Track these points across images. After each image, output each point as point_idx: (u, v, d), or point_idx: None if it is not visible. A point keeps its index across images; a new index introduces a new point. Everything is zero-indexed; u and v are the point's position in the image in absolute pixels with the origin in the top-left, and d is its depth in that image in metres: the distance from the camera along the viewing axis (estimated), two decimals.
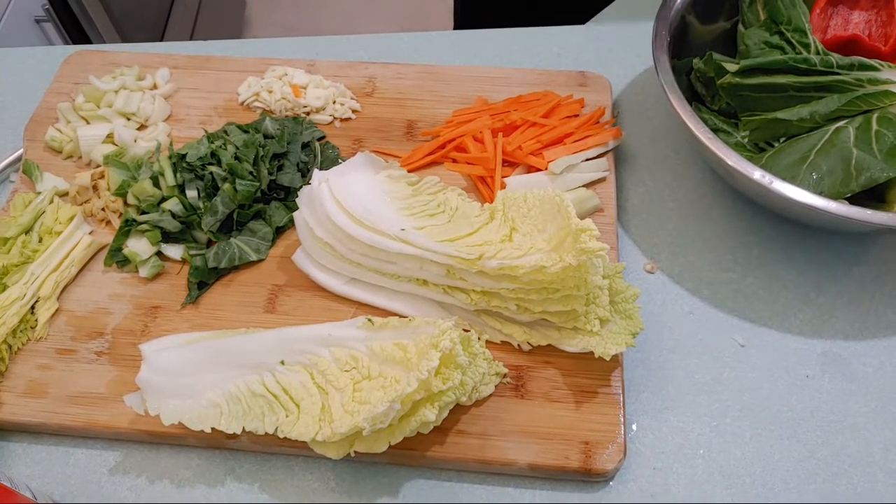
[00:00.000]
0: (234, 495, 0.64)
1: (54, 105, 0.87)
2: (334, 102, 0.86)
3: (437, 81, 0.89)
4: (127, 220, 0.76)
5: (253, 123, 0.83)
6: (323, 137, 0.85)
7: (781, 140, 0.75)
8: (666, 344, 0.71)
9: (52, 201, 0.78)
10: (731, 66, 0.75)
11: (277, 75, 0.88)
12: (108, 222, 0.78)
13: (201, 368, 0.63)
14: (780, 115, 0.73)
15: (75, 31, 1.72)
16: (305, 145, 0.82)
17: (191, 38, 2.13)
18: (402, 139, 0.85)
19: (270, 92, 0.86)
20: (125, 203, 0.78)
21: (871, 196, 0.71)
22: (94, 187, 0.79)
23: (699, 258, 0.77)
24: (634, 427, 0.67)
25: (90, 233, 0.77)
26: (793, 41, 0.77)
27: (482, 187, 0.79)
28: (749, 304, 0.74)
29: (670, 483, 0.64)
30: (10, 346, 0.69)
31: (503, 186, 0.77)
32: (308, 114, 0.86)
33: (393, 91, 0.88)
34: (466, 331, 0.67)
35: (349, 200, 0.70)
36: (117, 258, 0.75)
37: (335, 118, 0.86)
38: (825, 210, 0.64)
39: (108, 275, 0.75)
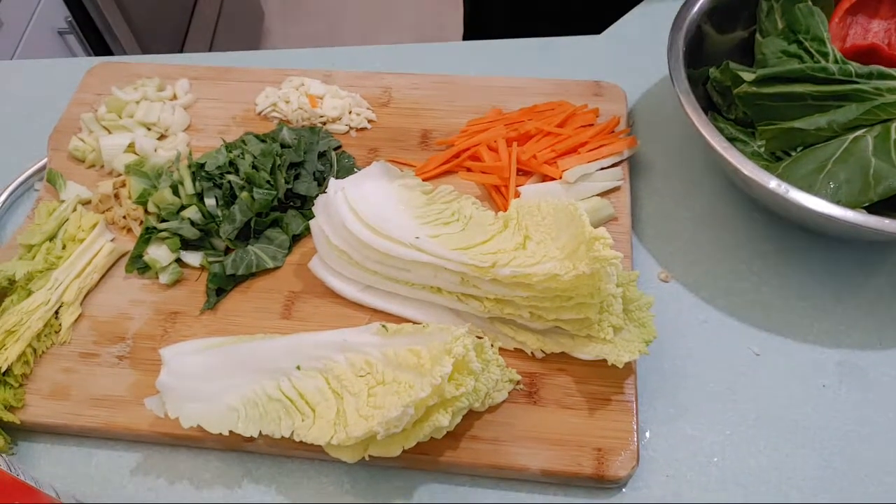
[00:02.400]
0: (252, 497, 0.65)
1: (77, 115, 0.89)
2: (350, 112, 0.87)
3: (452, 91, 0.90)
4: (147, 228, 0.77)
5: (270, 133, 0.84)
6: (339, 147, 0.86)
7: (798, 150, 0.74)
8: (680, 352, 0.71)
9: (75, 209, 0.80)
10: (748, 76, 0.75)
11: (294, 86, 0.89)
12: (130, 230, 0.80)
13: (219, 373, 0.64)
14: (798, 124, 0.73)
15: (97, 43, 1.76)
16: (322, 155, 0.83)
17: (209, 50, 2.16)
18: (417, 149, 0.85)
19: (287, 102, 0.88)
20: (146, 211, 0.79)
21: (890, 205, 0.71)
22: (116, 196, 0.81)
23: (714, 267, 0.77)
24: (647, 434, 0.67)
25: (112, 240, 0.79)
26: (811, 50, 0.77)
27: (496, 196, 0.79)
28: (765, 314, 0.73)
29: (683, 491, 0.64)
30: (34, 350, 0.71)
31: (517, 195, 0.77)
32: (324, 124, 0.87)
33: (408, 101, 0.89)
34: (480, 338, 0.68)
35: (365, 209, 0.71)
36: (138, 265, 0.77)
37: (351, 128, 0.87)
38: (843, 219, 0.64)
39: (129, 281, 0.77)
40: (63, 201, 0.80)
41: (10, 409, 0.68)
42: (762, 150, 0.76)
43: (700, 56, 0.80)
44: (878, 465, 0.65)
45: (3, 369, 0.68)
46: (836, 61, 0.75)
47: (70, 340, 0.72)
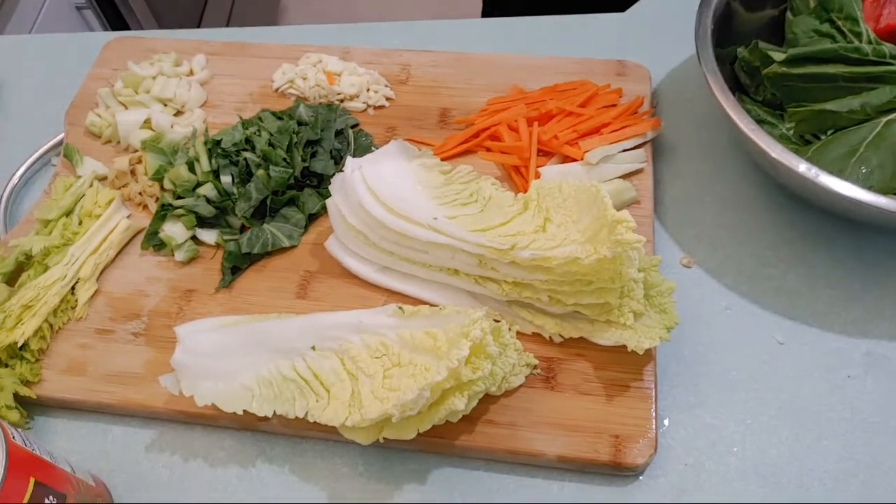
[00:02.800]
0: (265, 476, 0.65)
1: (94, 90, 0.88)
2: (368, 90, 0.86)
3: (471, 69, 0.88)
4: (163, 205, 0.77)
5: (287, 110, 0.83)
6: (356, 125, 0.85)
7: (829, 132, 0.72)
8: (701, 339, 0.70)
9: (91, 185, 0.79)
10: (778, 56, 0.73)
11: (312, 62, 0.88)
12: (145, 206, 0.80)
13: (234, 352, 0.64)
14: (829, 106, 0.71)
15: (114, 18, 1.75)
16: (339, 133, 0.82)
17: (227, 25, 2.15)
18: (435, 127, 0.84)
19: (305, 79, 0.87)
20: (162, 188, 0.79)
21: None
22: (132, 172, 0.81)
23: (738, 253, 0.75)
24: (666, 422, 0.66)
25: (128, 216, 0.78)
26: (844, 30, 0.74)
27: (516, 177, 0.78)
28: (790, 302, 0.72)
29: (702, 480, 0.63)
30: (51, 325, 0.71)
31: (537, 176, 0.76)
32: (342, 101, 0.86)
33: (427, 79, 0.88)
34: (497, 321, 0.67)
35: (382, 188, 0.70)
36: (154, 242, 0.76)
37: (369, 106, 0.86)
38: (874, 205, 0.62)
39: (144, 258, 0.77)
40: (80, 177, 0.80)
41: (27, 383, 0.68)
42: (791, 132, 0.74)
43: (728, 35, 0.78)
44: None
45: (20, 344, 0.68)
46: (869, 41, 0.73)
47: (86, 316, 0.73)
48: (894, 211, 0.62)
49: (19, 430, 0.57)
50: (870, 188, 0.63)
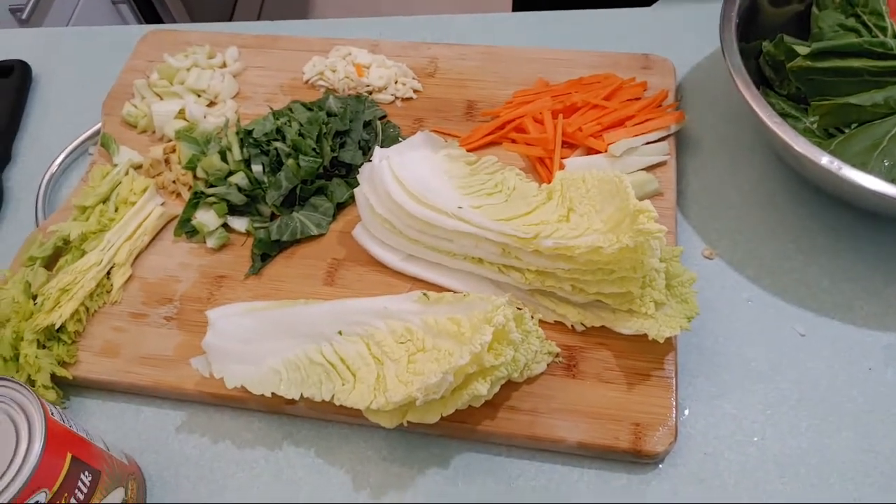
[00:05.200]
0: (291, 458, 0.67)
1: (130, 81, 0.91)
2: (396, 82, 0.88)
3: (498, 63, 0.89)
4: (196, 193, 0.79)
5: (317, 101, 0.84)
6: (384, 116, 0.86)
7: (853, 126, 0.72)
8: (722, 331, 0.70)
9: (127, 173, 0.81)
10: (803, 49, 0.73)
11: (341, 55, 0.90)
12: (179, 194, 0.82)
13: (263, 336, 0.66)
14: (853, 100, 0.71)
15: (148, 12, 1.79)
16: (367, 124, 0.83)
17: (258, 19, 2.18)
18: (461, 119, 0.85)
19: (334, 71, 0.88)
20: (195, 176, 0.81)
21: None
22: (166, 161, 0.83)
23: (760, 245, 0.75)
24: (686, 412, 0.66)
25: (162, 204, 0.80)
26: (869, 24, 0.74)
27: (541, 168, 0.79)
28: (811, 294, 0.72)
29: (721, 469, 0.64)
30: (87, 309, 0.73)
31: (562, 168, 0.76)
32: (370, 93, 0.88)
33: (454, 72, 0.89)
34: (520, 308, 0.68)
35: (408, 178, 0.71)
36: (186, 229, 0.78)
37: (397, 98, 0.87)
38: None
39: (177, 244, 0.79)
40: (116, 165, 0.83)
41: (64, 364, 0.70)
42: (815, 126, 0.74)
43: (753, 29, 0.78)
44: None
45: (58, 326, 0.70)
46: (894, 36, 0.72)
47: (121, 300, 0.75)
48: None
49: (57, 407, 0.58)
50: (893, 181, 0.63)
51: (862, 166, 0.65)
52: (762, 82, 0.79)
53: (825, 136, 0.74)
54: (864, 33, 0.74)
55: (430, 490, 0.64)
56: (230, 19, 2.07)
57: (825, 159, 0.64)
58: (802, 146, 0.66)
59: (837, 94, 0.72)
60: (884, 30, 0.73)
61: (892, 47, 0.70)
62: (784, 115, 0.74)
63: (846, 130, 0.72)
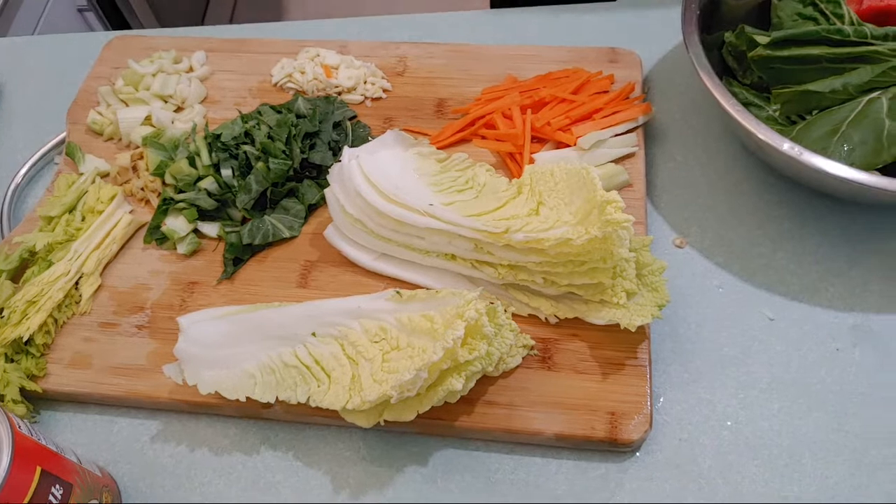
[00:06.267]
0: (270, 462, 0.66)
1: (95, 89, 0.90)
2: (365, 82, 0.88)
3: (467, 60, 0.89)
4: (165, 199, 0.78)
5: (286, 104, 0.84)
6: (354, 117, 0.86)
7: (813, 113, 0.74)
8: (694, 318, 0.71)
9: (93, 181, 0.81)
10: (763, 39, 0.74)
11: (310, 56, 0.90)
12: (148, 201, 0.81)
13: (236, 340, 0.65)
14: (812, 86, 0.72)
15: (116, 20, 1.77)
16: (337, 124, 0.83)
17: (230, 23, 2.16)
18: (432, 117, 0.85)
19: (303, 73, 0.88)
20: (163, 182, 0.80)
21: None
22: (134, 168, 0.82)
23: (729, 233, 0.76)
24: (661, 399, 0.67)
25: (130, 212, 0.80)
26: (826, 12, 0.75)
27: (511, 164, 0.79)
28: (779, 278, 0.73)
29: (697, 454, 0.64)
30: (56, 320, 0.72)
31: (531, 162, 0.77)
32: (339, 94, 0.87)
33: (423, 70, 0.89)
34: (492, 302, 0.68)
35: (379, 177, 0.71)
36: (156, 236, 0.78)
37: (366, 98, 0.87)
38: (856, 181, 0.63)
39: (147, 252, 0.78)
40: (82, 174, 0.82)
41: (33, 377, 0.69)
42: (777, 114, 0.75)
43: (715, 21, 0.79)
44: (892, 428, 0.65)
45: (25, 339, 0.69)
46: (851, 23, 0.74)
47: (90, 311, 0.74)
48: (876, 186, 0.63)
49: (26, 420, 0.57)
50: (852, 165, 0.65)
51: (822, 151, 0.67)
52: (726, 72, 0.80)
53: (787, 124, 0.75)
54: (821, 21, 0.75)
55: (409, 488, 0.65)
56: (202, 23, 2.06)
57: (786, 145, 0.65)
58: (765, 133, 0.67)
59: (797, 81, 0.74)
60: (841, 17, 0.74)
61: (848, 34, 0.71)
62: (747, 104, 0.75)
63: (807, 117, 0.74)
